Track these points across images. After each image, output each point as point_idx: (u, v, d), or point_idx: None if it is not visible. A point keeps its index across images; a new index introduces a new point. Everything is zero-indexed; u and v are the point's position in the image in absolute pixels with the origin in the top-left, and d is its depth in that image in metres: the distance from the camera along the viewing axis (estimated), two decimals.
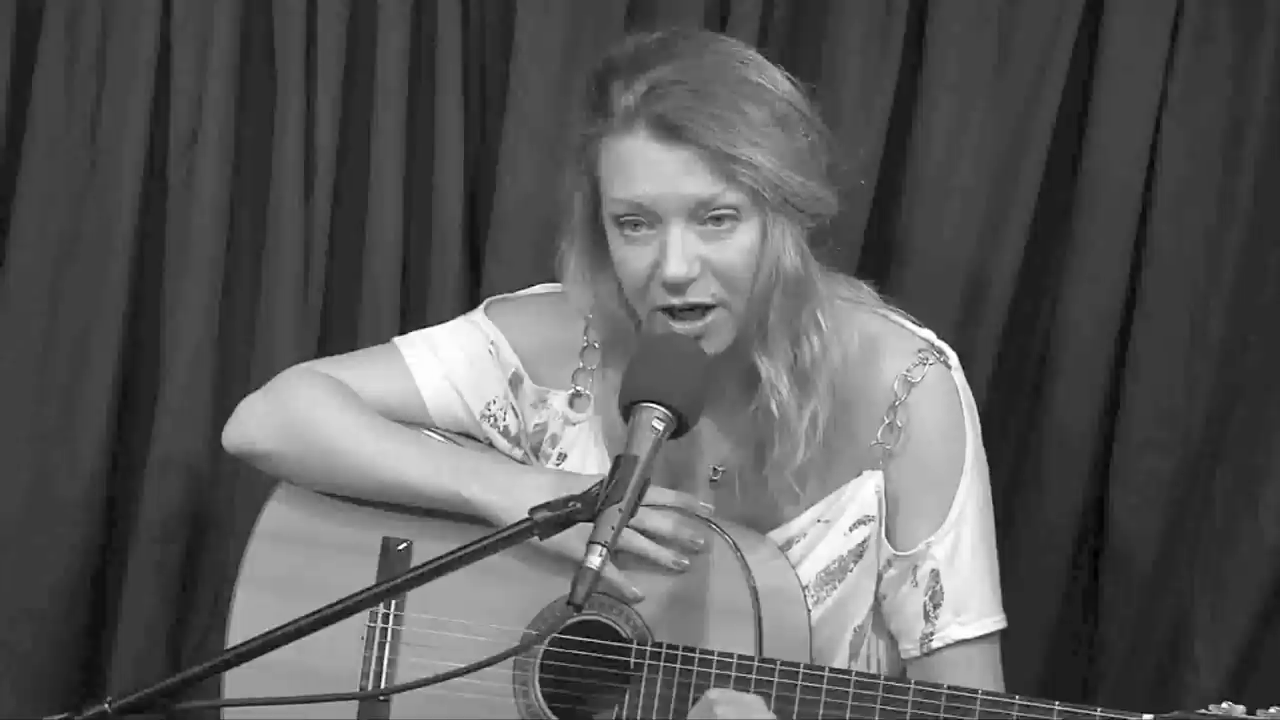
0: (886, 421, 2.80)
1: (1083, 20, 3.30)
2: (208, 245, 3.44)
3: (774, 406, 2.74)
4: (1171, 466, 3.33)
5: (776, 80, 2.71)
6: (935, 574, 2.79)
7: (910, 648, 2.82)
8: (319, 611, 2.34)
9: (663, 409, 2.53)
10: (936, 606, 2.80)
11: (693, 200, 2.65)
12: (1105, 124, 3.31)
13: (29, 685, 3.44)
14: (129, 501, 3.49)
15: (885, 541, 2.81)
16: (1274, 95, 3.26)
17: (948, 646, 2.80)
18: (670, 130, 2.63)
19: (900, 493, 2.80)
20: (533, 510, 2.43)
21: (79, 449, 3.44)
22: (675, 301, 2.68)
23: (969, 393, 2.84)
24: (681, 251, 2.66)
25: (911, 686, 2.62)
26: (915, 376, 2.80)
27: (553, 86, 3.37)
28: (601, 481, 2.46)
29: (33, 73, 3.43)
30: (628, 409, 2.56)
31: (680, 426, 2.56)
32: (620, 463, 2.48)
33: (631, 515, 2.45)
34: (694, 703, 2.67)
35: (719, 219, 2.66)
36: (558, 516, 2.43)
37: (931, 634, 2.81)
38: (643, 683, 2.71)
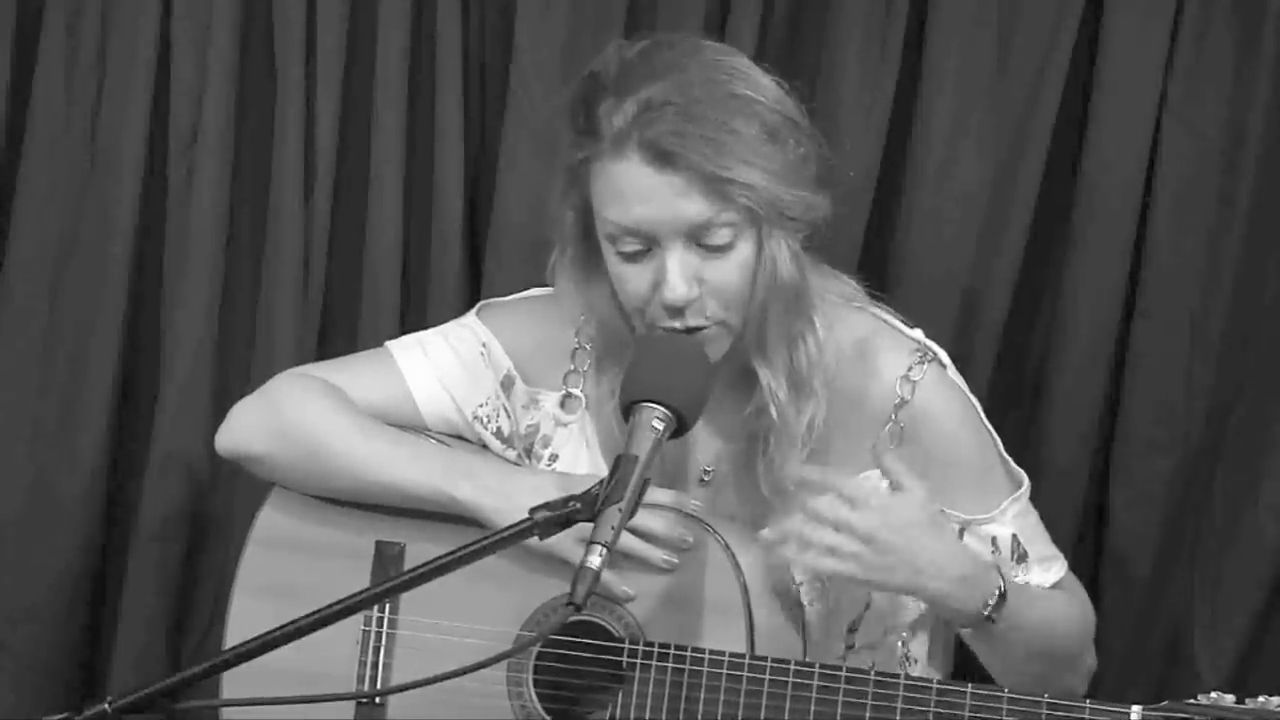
0: (892, 420, 2.80)
1: (1083, 20, 3.30)
2: (208, 245, 3.44)
3: (773, 412, 2.75)
4: (1171, 466, 3.32)
5: (763, 88, 2.69)
6: (1015, 538, 2.83)
7: None
8: (316, 613, 2.34)
9: (663, 409, 2.53)
10: (1022, 561, 2.84)
11: (689, 223, 2.65)
12: (1105, 124, 3.30)
13: (29, 685, 3.45)
14: (129, 501, 3.49)
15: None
16: (1274, 95, 3.26)
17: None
18: (663, 156, 2.62)
19: (943, 490, 2.78)
20: (533, 510, 2.43)
21: (79, 449, 3.44)
22: (676, 325, 2.68)
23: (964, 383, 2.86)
24: (681, 274, 2.65)
25: (902, 681, 2.63)
26: (916, 375, 2.80)
27: (553, 86, 3.36)
28: (601, 481, 2.46)
29: (33, 73, 3.44)
30: (628, 408, 2.55)
31: (680, 427, 2.55)
32: (620, 463, 2.47)
33: (632, 515, 2.45)
34: (686, 701, 2.68)
35: (716, 238, 2.66)
36: (558, 516, 2.43)
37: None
38: (635, 682, 2.71)
